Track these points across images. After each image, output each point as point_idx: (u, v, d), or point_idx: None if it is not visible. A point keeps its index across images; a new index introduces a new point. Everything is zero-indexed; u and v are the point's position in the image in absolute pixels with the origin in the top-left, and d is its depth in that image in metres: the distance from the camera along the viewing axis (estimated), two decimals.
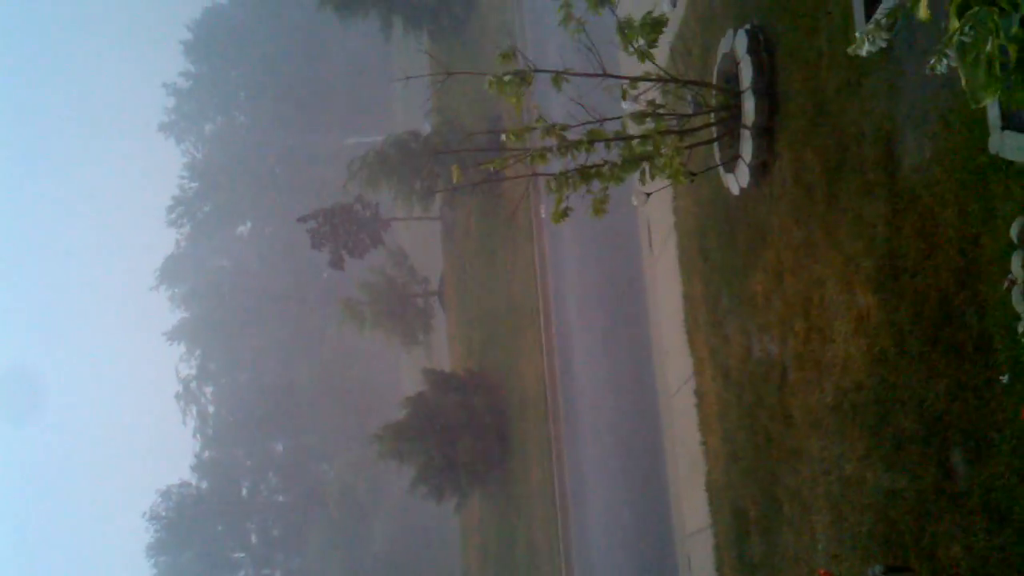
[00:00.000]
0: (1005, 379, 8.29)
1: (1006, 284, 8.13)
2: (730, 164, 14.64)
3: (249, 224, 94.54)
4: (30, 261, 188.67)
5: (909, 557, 9.83)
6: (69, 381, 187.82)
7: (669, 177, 13.12)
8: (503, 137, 12.93)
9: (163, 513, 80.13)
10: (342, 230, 44.10)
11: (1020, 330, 7.78)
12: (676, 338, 18.30)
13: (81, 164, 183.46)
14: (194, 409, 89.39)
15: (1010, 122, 8.33)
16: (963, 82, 5.01)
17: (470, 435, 35.39)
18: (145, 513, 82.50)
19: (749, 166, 13.91)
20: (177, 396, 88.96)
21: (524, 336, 33.31)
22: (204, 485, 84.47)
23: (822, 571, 9.91)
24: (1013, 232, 8.00)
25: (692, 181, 13.28)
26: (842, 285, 11.41)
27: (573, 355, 28.39)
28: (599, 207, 12.51)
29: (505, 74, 11.51)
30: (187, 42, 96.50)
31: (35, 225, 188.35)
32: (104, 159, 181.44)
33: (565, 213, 12.22)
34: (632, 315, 22.07)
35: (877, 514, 10.51)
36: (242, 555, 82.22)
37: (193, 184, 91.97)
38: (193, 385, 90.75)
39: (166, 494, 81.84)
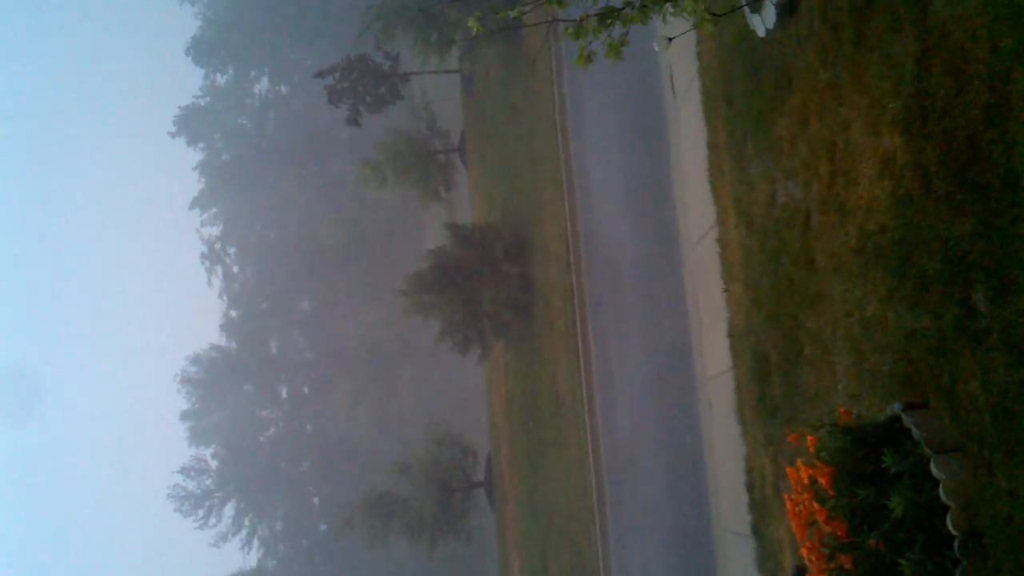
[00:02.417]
0: None
1: None
2: (756, 4, 14.26)
3: (266, 82, 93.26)
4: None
5: (928, 394, 10.01)
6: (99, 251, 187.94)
7: (692, 18, 12.83)
8: None
9: (193, 375, 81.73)
10: (360, 84, 43.48)
11: None
12: (699, 187, 18.21)
13: (87, 23, 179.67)
14: (219, 270, 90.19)
15: None
16: None
17: (493, 286, 35.72)
18: (176, 376, 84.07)
19: (775, 5, 13.56)
20: (202, 257, 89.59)
21: (546, 189, 33.21)
22: (233, 346, 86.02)
23: (843, 410, 10.10)
24: None
25: (716, 24, 12.97)
26: (868, 127, 11.26)
27: (594, 207, 28.35)
28: (616, 49, 12.27)
29: None
30: None
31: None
32: (114, 18, 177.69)
33: (589, 58, 12.02)
34: (655, 165, 21.91)
35: (898, 354, 10.65)
36: (274, 412, 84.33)
37: (210, 34, 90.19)
38: (217, 246, 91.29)
39: (196, 359, 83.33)
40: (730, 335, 16.43)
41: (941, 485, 9.36)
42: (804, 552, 9.85)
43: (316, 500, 77.74)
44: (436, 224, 51.44)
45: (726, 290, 16.67)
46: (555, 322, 32.10)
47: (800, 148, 13.27)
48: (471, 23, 14.03)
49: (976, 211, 9.15)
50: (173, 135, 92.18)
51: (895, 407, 10.17)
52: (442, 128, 49.80)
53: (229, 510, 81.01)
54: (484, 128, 47.36)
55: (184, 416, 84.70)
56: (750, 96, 15.38)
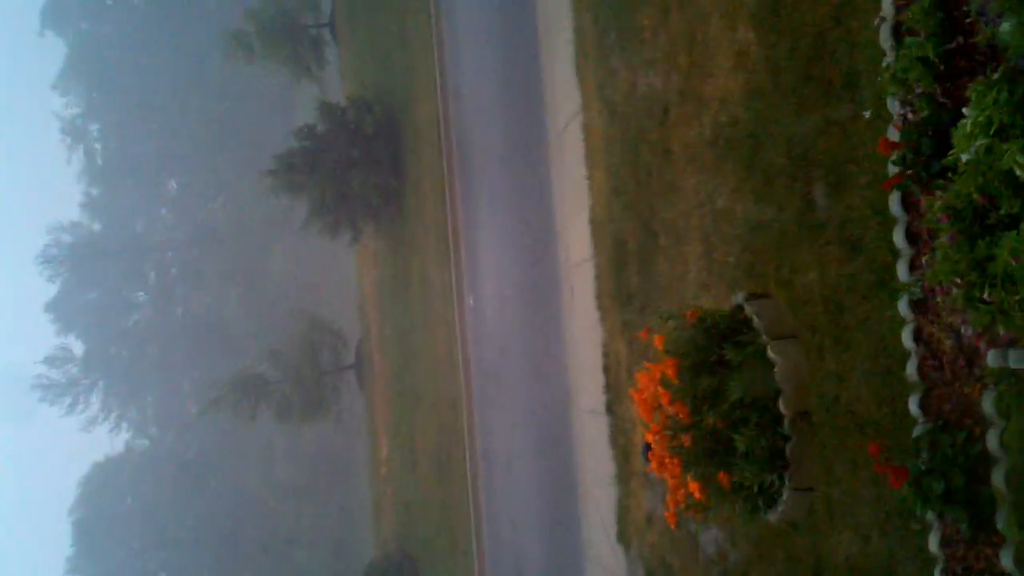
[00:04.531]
0: (868, 114, 8.53)
1: (876, 22, 8.20)
2: None
3: None
4: None
5: (769, 285, 10.41)
6: None
7: None
8: None
9: (56, 254, 78.37)
10: None
11: (884, 66, 7.92)
12: (565, 72, 18.13)
13: None
14: (80, 148, 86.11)
15: None
16: None
17: (363, 168, 35.10)
18: (38, 256, 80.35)
19: None
20: (62, 134, 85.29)
21: (417, 70, 32.59)
22: (96, 227, 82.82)
23: (689, 310, 10.42)
24: None
25: None
26: (725, 20, 11.36)
27: (464, 90, 28.01)
28: None
29: None
30: None
31: None
32: None
33: None
34: (523, 47, 21.67)
35: (743, 245, 11.01)
36: (142, 294, 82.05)
37: None
38: (79, 123, 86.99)
39: (55, 230, 79.70)
40: (591, 223, 16.66)
41: (776, 368, 9.84)
42: (648, 436, 10.27)
43: (186, 384, 76.80)
44: (308, 102, 50.10)
45: (588, 177, 16.83)
46: (425, 207, 31.95)
47: (661, 39, 13.32)
48: None
49: (819, 107, 9.40)
50: (40, 34, 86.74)
51: (739, 297, 10.57)
52: (313, 1, 48.00)
53: (97, 396, 79.41)
54: (356, 1, 45.87)
55: (49, 307, 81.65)
56: None
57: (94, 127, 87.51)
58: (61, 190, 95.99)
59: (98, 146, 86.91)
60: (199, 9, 72.98)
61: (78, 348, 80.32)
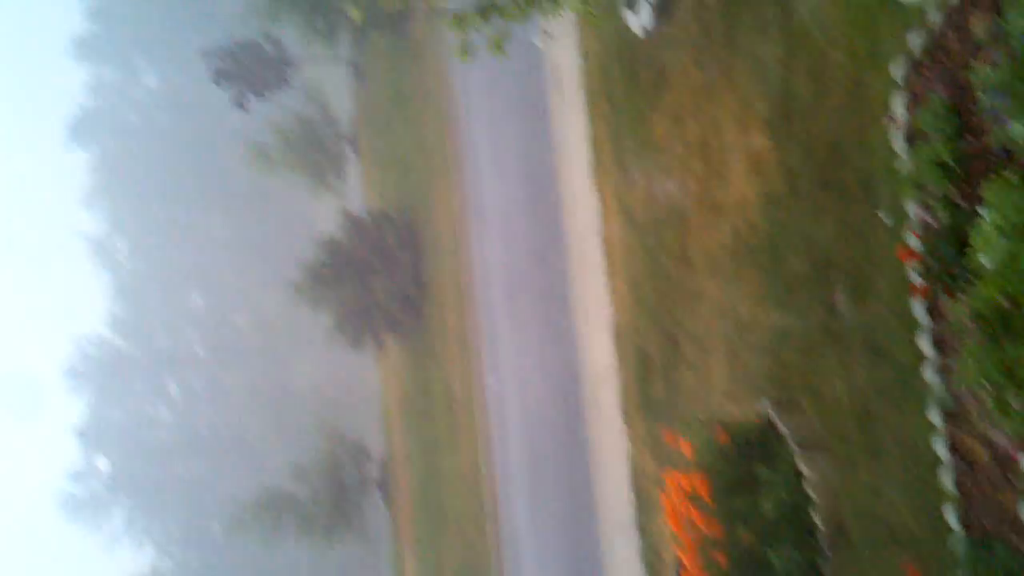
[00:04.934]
0: (886, 218, 8.44)
1: (885, 122, 8.18)
2: (633, 4, 14.30)
3: (154, 74, 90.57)
4: None
5: (795, 393, 10.18)
6: None
7: (573, 14, 12.86)
8: None
9: (81, 369, 78.99)
10: (246, 68, 42.46)
11: (900, 171, 7.86)
12: (583, 181, 18.24)
13: None
14: (108, 264, 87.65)
15: None
16: None
17: (386, 278, 35.25)
18: (66, 369, 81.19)
19: (651, 4, 13.62)
20: (90, 253, 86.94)
21: (437, 182, 32.97)
22: (120, 343, 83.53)
23: (719, 429, 10.22)
24: (896, 73, 7.99)
25: (597, 21, 13.01)
26: (738, 127, 11.40)
27: (484, 200, 28.24)
28: (497, 44, 12.21)
29: None
30: None
31: None
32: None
33: (470, 51, 11.93)
34: (541, 159, 21.89)
35: (768, 353, 10.81)
36: (165, 411, 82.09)
37: (95, 27, 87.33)
38: (105, 240, 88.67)
39: (81, 346, 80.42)
40: (614, 332, 16.51)
41: (807, 481, 9.57)
42: (680, 554, 9.96)
43: (210, 501, 76.09)
44: (328, 213, 50.72)
45: (609, 286, 16.75)
46: (447, 317, 31.93)
47: (676, 146, 13.38)
48: (352, 11, 13.71)
49: (837, 212, 9.32)
50: (66, 145, 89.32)
51: (765, 406, 10.35)
52: (333, 116, 49.04)
53: (120, 513, 78.89)
54: (375, 117, 46.78)
55: (77, 430, 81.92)
56: (629, 93, 15.44)
57: (121, 243, 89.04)
58: (87, 303, 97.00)
59: (124, 261, 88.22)
60: (223, 125, 74.64)
61: (104, 465, 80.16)
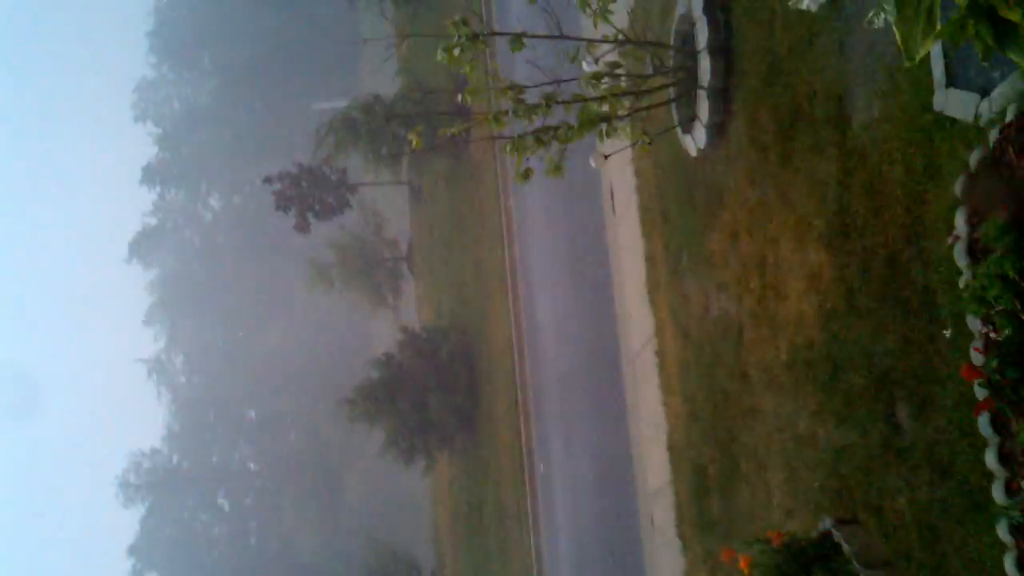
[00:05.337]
0: (948, 334, 8.42)
1: (950, 240, 8.23)
2: (687, 125, 14.66)
3: (217, 196, 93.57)
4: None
5: (857, 510, 10.00)
6: (54, 374, 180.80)
7: (627, 139, 13.23)
8: (460, 98, 12.97)
9: (132, 480, 79.63)
10: (308, 193, 43.77)
11: (962, 285, 7.88)
12: (638, 298, 18.40)
13: (48, 147, 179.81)
14: (165, 382, 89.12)
15: (954, 80, 8.39)
16: (897, 37, 5.00)
17: (440, 394, 35.46)
18: (117, 477, 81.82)
19: (706, 127, 13.94)
20: (149, 371, 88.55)
21: (492, 300, 33.36)
22: (175, 459, 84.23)
23: (774, 532, 10.05)
24: (956, 189, 8.09)
25: (650, 143, 13.32)
26: (795, 243, 11.51)
27: (539, 317, 28.49)
28: (555, 168, 12.57)
29: (455, 44, 11.35)
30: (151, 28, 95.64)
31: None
32: (72, 142, 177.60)
33: (527, 175, 12.26)
34: (596, 276, 22.16)
35: (828, 470, 10.67)
36: (217, 528, 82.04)
37: (163, 154, 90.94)
38: (164, 358, 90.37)
39: (136, 459, 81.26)
40: (669, 449, 16.40)
41: None
42: None
43: None
44: (384, 331, 51.24)
45: (664, 402, 16.71)
46: (500, 433, 31.88)
47: (732, 263, 13.50)
48: (411, 137, 14.32)
49: (897, 327, 9.30)
50: (128, 261, 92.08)
51: (826, 523, 10.16)
52: (390, 237, 50.13)
53: None
54: (431, 237, 47.72)
55: (131, 550, 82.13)
56: (684, 212, 15.69)
57: (178, 359, 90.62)
58: (143, 418, 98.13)
59: (181, 377, 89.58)
60: (283, 245, 76.42)
61: None
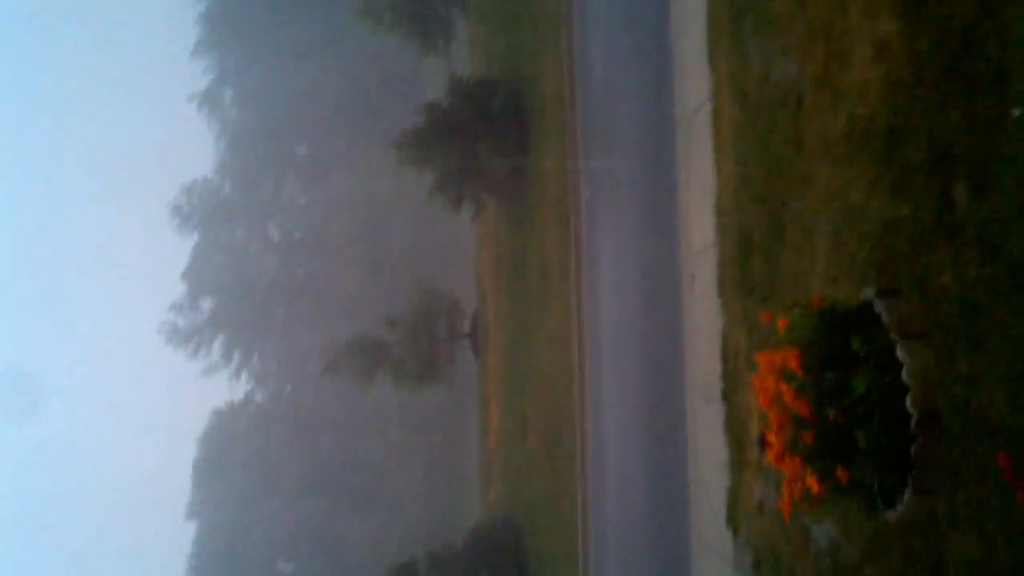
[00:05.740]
0: (1017, 113, 8.31)
1: None
2: None
3: None
4: None
5: (901, 282, 10.22)
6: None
7: None
8: None
9: (185, 207, 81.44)
10: None
11: None
12: (697, 57, 18.00)
13: None
14: (217, 113, 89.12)
15: None
16: None
17: (489, 144, 35.42)
18: (168, 205, 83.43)
19: None
20: (199, 101, 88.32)
21: (546, 51, 32.71)
22: (227, 187, 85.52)
23: (816, 296, 10.30)
24: None
25: None
26: (866, 9, 11.14)
27: (592, 66, 28.01)
28: None
29: None
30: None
31: None
32: None
33: None
34: (654, 30, 21.56)
35: (876, 241, 10.82)
36: (266, 257, 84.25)
37: None
38: (213, 89, 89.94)
39: (189, 189, 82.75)
40: (717, 211, 16.55)
41: (904, 368, 9.66)
42: (765, 432, 10.22)
43: (307, 341, 78.95)
44: (434, 78, 50.68)
45: (716, 165, 16.71)
46: (547, 187, 32.12)
47: (797, 26, 13.12)
48: None
49: (964, 104, 9.17)
50: None
51: (868, 292, 10.40)
52: None
53: (219, 346, 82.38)
54: None
55: (184, 276, 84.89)
56: None
57: (227, 92, 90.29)
58: (194, 149, 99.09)
59: (231, 110, 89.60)
60: None
61: (206, 303, 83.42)
